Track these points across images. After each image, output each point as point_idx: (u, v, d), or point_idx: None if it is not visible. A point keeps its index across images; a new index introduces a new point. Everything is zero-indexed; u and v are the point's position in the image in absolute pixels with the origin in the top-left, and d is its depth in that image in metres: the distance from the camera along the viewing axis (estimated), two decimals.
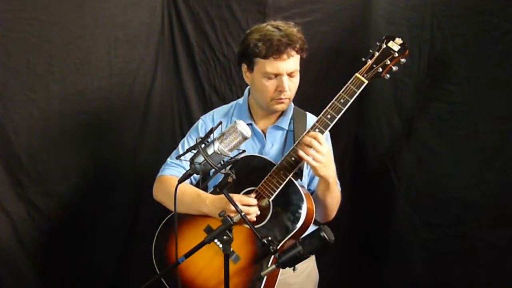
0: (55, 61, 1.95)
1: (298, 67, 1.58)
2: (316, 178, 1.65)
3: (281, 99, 1.58)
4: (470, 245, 1.54)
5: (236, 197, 1.48)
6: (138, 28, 2.20)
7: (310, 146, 1.45)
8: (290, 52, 1.53)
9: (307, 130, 1.53)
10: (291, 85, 1.58)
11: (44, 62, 1.92)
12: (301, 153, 1.46)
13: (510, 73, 1.37)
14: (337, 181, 1.64)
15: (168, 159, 1.75)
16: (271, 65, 1.53)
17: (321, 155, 1.44)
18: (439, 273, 1.69)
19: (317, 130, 1.50)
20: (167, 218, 1.64)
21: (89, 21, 2.02)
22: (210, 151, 1.24)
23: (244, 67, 1.63)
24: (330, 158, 1.50)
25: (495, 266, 1.46)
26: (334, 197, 1.58)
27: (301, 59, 1.60)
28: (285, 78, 1.55)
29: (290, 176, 1.50)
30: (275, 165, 1.53)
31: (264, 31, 1.54)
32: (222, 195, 1.37)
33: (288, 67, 1.54)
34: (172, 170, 1.71)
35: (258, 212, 1.49)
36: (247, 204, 1.47)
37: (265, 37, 1.52)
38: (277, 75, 1.55)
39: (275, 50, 1.51)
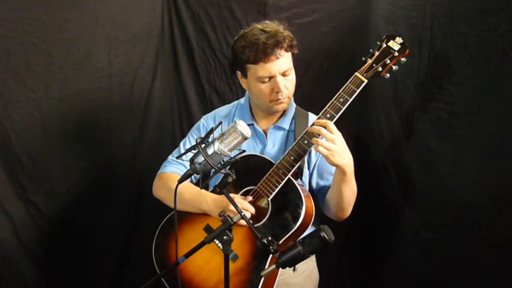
0: (55, 61, 1.96)
1: (290, 65, 1.57)
2: (320, 174, 1.65)
3: (279, 99, 1.57)
4: (470, 245, 1.54)
5: (236, 200, 1.47)
6: (138, 28, 2.20)
7: (318, 135, 1.43)
8: (279, 52, 1.51)
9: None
10: (287, 84, 1.57)
11: (44, 62, 1.93)
12: (314, 139, 1.42)
13: (510, 73, 1.37)
14: None
15: (169, 157, 1.75)
16: (262, 69, 1.52)
17: (331, 142, 1.40)
18: (439, 273, 1.69)
19: None
20: (167, 217, 1.64)
21: (89, 21, 2.03)
22: (210, 151, 1.24)
23: (238, 74, 1.64)
24: (344, 147, 1.43)
25: (495, 266, 1.45)
26: (352, 190, 1.53)
27: (294, 55, 1.58)
28: (279, 79, 1.54)
29: (289, 175, 1.50)
30: (274, 164, 1.53)
31: (249, 37, 1.53)
32: (223, 195, 1.37)
33: (280, 67, 1.53)
34: (173, 167, 1.71)
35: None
36: (245, 210, 1.45)
37: (250, 43, 1.51)
38: (270, 77, 1.54)
39: (262, 54, 1.50)
